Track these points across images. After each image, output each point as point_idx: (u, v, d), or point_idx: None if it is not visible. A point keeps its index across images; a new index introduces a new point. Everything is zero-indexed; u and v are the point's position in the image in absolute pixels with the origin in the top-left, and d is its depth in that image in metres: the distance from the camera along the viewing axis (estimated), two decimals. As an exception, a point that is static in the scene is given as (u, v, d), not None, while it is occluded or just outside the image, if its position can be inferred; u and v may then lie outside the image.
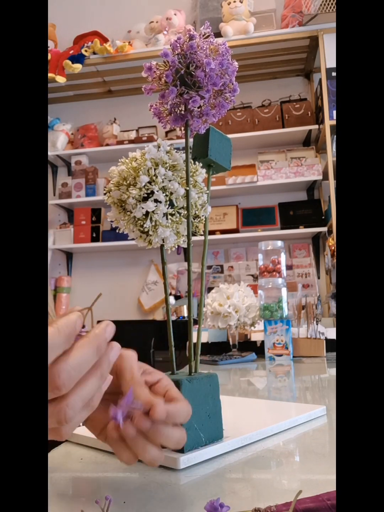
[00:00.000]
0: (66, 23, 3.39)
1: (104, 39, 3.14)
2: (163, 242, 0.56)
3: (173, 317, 2.80)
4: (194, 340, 0.55)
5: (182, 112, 0.54)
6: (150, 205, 0.53)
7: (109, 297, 3.28)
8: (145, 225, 0.54)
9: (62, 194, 3.35)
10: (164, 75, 0.52)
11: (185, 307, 2.82)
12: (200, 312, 0.59)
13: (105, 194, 0.58)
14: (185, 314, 2.79)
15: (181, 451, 0.49)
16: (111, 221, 0.58)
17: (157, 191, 0.53)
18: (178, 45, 0.52)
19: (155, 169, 0.53)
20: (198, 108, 0.54)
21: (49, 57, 3.08)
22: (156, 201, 0.53)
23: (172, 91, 0.52)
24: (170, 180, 0.54)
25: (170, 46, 0.53)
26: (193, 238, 0.57)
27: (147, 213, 0.53)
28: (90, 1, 3.51)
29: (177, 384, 0.51)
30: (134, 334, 3.07)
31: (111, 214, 0.57)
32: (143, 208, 0.53)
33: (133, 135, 3.30)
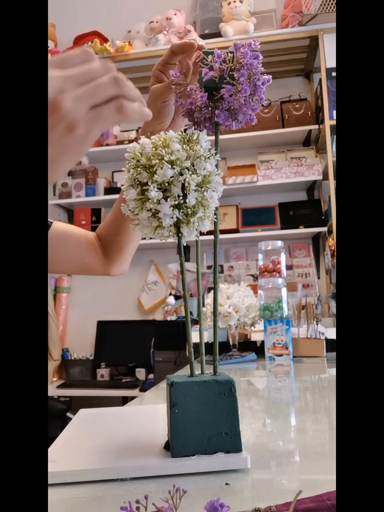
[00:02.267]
0: (66, 23, 3.38)
1: (104, 39, 3.13)
2: (182, 234, 0.53)
3: (173, 317, 2.80)
4: (196, 340, 0.55)
5: (231, 109, 0.56)
6: (214, 195, 0.51)
7: (109, 297, 3.27)
8: (198, 214, 0.51)
9: (62, 194, 3.35)
10: (238, 73, 0.54)
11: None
12: (202, 312, 0.58)
13: (143, 167, 0.51)
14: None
15: (238, 450, 0.50)
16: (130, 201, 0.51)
17: (217, 181, 0.52)
18: (250, 49, 0.54)
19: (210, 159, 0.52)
20: (249, 113, 0.56)
21: (49, 57, 3.07)
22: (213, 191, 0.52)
23: (245, 90, 0.53)
24: (216, 174, 0.53)
25: (236, 46, 0.55)
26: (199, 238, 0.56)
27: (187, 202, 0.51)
28: (90, 1, 3.51)
29: (230, 384, 0.51)
30: (134, 334, 3.07)
31: (134, 195, 0.51)
32: (204, 196, 0.51)
33: (133, 135, 3.29)
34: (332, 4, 2.65)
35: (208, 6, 3.07)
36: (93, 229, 3.42)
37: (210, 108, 0.57)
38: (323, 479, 0.46)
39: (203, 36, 2.97)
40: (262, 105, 0.57)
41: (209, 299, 1.73)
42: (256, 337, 1.77)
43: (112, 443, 0.57)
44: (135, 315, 3.25)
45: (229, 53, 0.55)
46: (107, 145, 3.29)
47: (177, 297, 2.91)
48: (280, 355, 1.54)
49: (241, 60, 0.54)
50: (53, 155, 0.37)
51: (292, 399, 0.97)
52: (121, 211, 0.53)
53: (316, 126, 2.96)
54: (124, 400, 2.74)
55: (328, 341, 1.61)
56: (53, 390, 2.78)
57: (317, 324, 1.63)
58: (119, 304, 3.25)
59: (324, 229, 2.90)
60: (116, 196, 3.12)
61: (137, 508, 0.30)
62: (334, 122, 2.63)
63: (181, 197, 0.50)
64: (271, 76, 0.56)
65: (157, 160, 0.50)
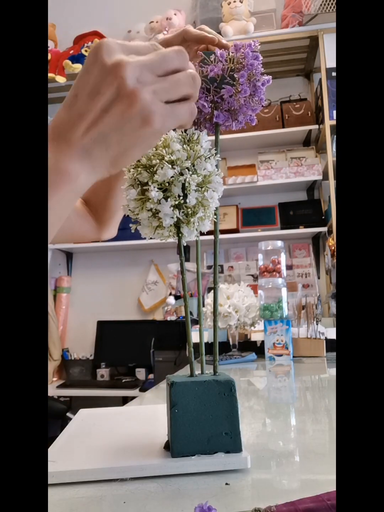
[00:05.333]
0: (66, 23, 3.38)
1: (104, 39, 3.13)
2: (183, 234, 0.53)
3: (173, 317, 2.79)
4: (196, 340, 0.55)
5: (231, 109, 0.56)
6: (214, 195, 0.51)
7: (109, 297, 3.27)
8: (198, 214, 0.50)
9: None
10: (238, 73, 0.54)
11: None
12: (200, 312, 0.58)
13: (149, 169, 0.50)
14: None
15: (238, 450, 0.50)
16: (129, 202, 0.51)
17: (217, 181, 0.52)
18: (250, 50, 0.54)
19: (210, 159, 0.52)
20: (249, 114, 0.56)
21: (49, 57, 3.07)
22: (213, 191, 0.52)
23: (245, 90, 0.53)
24: (216, 175, 0.53)
25: (236, 47, 0.55)
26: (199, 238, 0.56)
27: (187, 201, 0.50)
28: (90, 1, 3.51)
29: (230, 384, 0.51)
30: (134, 334, 3.06)
31: (134, 195, 0.51)
32: (204, 196, 0.51)
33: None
34: (332, 4, 2.65)
35: (208, 6, 3.07)
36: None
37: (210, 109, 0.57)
38: (323, 479, 0.46)
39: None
40: (262, 106, 0.57)
41: (209, 299, 1.73)
42: (256, 337, 1.77)
43: (112, 443, 0.57)
44: (135, 315, 3.25)
45: (229, 54, 0.55)
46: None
47: (177, 297, 2.91)
48: (280, 355, 1.54)
49: (241, 61, 0.54)
50: (126, 146, 0.37)
51: (292, 399, 0.97)
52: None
53: (316, 126, 2.96)
54: (124, 400, 2.74)
55: (328, 341, 1.61)
56: (53, 390, 2.78)
57: (317, 324, 1.63)
58: (119, 304, 3.25)
59: (324, 229, 2.90)
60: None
61: None
62: (334, 122, 2.63)
63: (181, 197, 0.50)
64: (271, 77, 0.56)
65: (157, 160, 0.50)
